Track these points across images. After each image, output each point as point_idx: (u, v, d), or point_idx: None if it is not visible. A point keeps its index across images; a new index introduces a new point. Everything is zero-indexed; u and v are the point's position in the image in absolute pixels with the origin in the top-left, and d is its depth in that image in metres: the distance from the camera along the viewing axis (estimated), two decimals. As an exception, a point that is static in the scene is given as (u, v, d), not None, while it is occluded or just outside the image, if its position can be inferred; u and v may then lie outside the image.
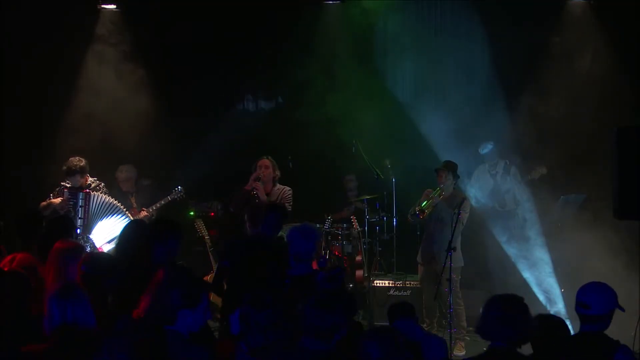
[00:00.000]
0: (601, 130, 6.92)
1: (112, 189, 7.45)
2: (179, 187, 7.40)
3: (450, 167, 7.11)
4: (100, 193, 7.00)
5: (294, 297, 4.00)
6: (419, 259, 7.32)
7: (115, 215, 6.96)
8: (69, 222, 5.45)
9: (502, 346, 3.46)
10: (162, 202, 7.37)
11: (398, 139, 8.44)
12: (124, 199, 7.41)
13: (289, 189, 7.17)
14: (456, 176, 7.13)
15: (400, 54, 8.57)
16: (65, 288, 3.53)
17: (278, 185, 7.20)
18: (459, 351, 6.81)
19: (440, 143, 8.05)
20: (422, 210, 7.00)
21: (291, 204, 7.07)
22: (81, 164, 6.94)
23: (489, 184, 7.85)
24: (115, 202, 7.01)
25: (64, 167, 6.95)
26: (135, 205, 7.48)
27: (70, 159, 6.98)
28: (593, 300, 3.75)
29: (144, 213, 7.26)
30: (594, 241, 6.99)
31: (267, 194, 7.07)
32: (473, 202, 7.64)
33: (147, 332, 3.35)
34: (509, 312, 3.49)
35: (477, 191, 7.82)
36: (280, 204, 6.24)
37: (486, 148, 7.83)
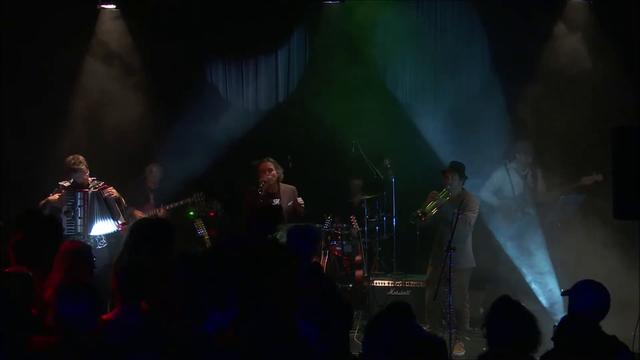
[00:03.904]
0: (601, 130, 6.91)
1: (135, 182, 7.86)
2: (201, 192, 7.69)
3: (457, 168, 7.02)
4: (109, 188, 7.08)
5: None
6: (430, 260, 7.29)
7: (109, 218, 7.02)
8: (56, 225, 5.25)
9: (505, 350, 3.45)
10: (182, 203, 7.66)
11: (398, 139, 8.44)
12: (143, 193, 7.76)
13: (294, 187, 7.43)
14: (464, 177, 7.04)
15: (400, 53, 8.57)
16: (77, 287, 3.53)
17: (282, 185, 7.42)
18: (459, 351, 6.81)
19: (440, 143, 8.06)
20: (424, 213, 6.95)
21: None
22: (81, 161, 7.01)
23: (511, 187, 7.72)
24: (115, 201, 7.07)
25: (65, 165, 7.00)
26: (152, 202, 7.75)
27: (70, 157, 7.07)
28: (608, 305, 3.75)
29: (161, 211, 7.57)
30: (594, 241, 6.99)
31: (276, 193, 7.31)
32: (490, 201, 7.62)
33: (176, 333, 3.35)
34: (511, 318, 3.48)
35: (492, 192, 7.75)
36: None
37: (518, 147, 7.78)
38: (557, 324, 3.88)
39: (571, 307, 3.75)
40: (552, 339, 3.74)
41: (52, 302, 3.50)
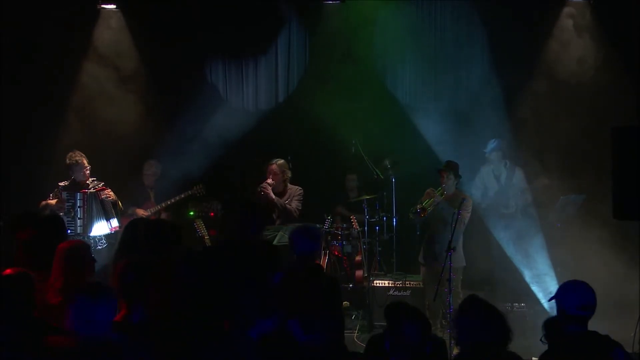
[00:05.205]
0: (601, 130, 6.91)
1: (135, 181, 7.86)
2: (201, 184, 7.74)
3: (452, 167, 7.09)
4: (107, 191, 7.10)
5: None
6: (420, 259, 7.29)
7: (104, 220, 7.04)
8: (60, 223, 5.24)
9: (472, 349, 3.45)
10: (182, 196, 7.71)
11: (398, 139, 8.44)
12: (143, 192, 7.78)
13: (299, 188, 7.50)
14: (458, 176, 7.11)
15: (400, 53, 8.57)
16: (89, 287, 3.51)
17: (289, 186, 7.50)
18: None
19: (440, 143, 8.06)
20: (423, 209, 6.98)
21: (302, 201, 7.45)
22: (82, 157, 7.07)
23: (493, 186, 7.80)
24: (110, 204, 7.08)
25: (67, 161, 7.09)
26: (152, 199, 7.78)
27: (70, 153, 7.15)
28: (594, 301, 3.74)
29: (163, 208, 7.69)
30: (594, 241, 6.99)
31: (280, 193, 7.44)
32: (480, 201, 7.62)
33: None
34: (478, 317, 3.47)
35: (481, 192, 7.78)
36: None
37: (489, 146, 7.80)
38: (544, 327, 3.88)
39: (559, 307, 3.76)
40: (541, 340, 3.74)
41: (70, 305, 3.46)
